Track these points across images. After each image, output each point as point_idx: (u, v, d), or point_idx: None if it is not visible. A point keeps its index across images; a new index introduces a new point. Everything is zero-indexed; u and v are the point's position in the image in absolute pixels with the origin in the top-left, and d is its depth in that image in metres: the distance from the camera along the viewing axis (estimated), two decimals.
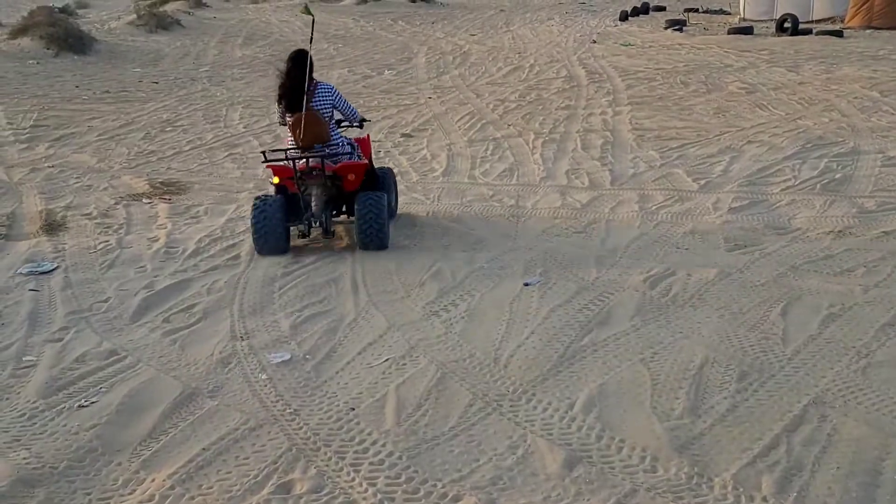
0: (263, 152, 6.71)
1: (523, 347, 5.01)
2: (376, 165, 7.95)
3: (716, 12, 29.36)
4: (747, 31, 23.36)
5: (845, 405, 4.20)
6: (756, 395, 4.34)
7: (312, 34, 7.25)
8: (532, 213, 8.17)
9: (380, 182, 7.24)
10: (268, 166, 6.85)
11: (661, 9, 30.67)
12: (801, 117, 12.11)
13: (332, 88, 6.93)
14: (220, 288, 6.15)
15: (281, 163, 6.64)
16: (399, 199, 8.15)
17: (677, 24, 25.24)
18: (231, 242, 7.12)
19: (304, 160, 6.60)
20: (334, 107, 6.93)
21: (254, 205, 6.70)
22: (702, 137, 11.11)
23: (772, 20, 24.39)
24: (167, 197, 9.08)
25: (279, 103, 6.90)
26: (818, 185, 8.37)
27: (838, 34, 22.03)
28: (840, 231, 6.94)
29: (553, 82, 16.73)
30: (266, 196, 6.88)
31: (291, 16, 29.11)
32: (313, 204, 6.71)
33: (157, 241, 7.37)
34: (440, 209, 8.34)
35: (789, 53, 19.26)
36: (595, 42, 22.88)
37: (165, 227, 7.80)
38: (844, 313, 5.28)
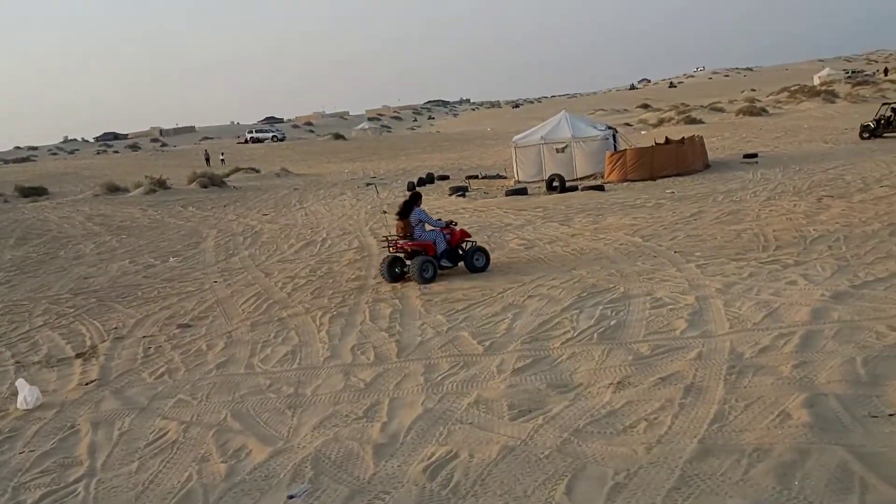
0: (386, 237, 13.34)
1: None
2: None
3: (493, 177, 31.09)
4: (522, 191, 24.67)
5: None
6: None
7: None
8: (311, 401, 7.34)
9: (449, 253, 13.18)
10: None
11: (445, 178, 32.10)
12: (575, 267, 12.37)
13: (421, 211, 13.10)
14: None
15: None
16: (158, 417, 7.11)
17: (460, 190, 26.29)
18: None
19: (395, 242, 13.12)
20: (420, 220, 13.00)
21: (382, 259, 13.36)
22: (486, 296, 10.95)
23: (542, 181, 26.03)
24: None
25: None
26: (595, 335, 8.25)
27: (600, 188, 23.78)
28: (619, 382, 6.68)
29: (345, 254, 16.39)
30: (385, 256, 13.12)
31: (73, 211, 27.38)
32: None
33: None
34: (205, 412, 7.29)
35: (561, 209, 20.33)
36: (385, 213, 23.13)
37: None
38: (630, 481, 4.83)
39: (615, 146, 28.09)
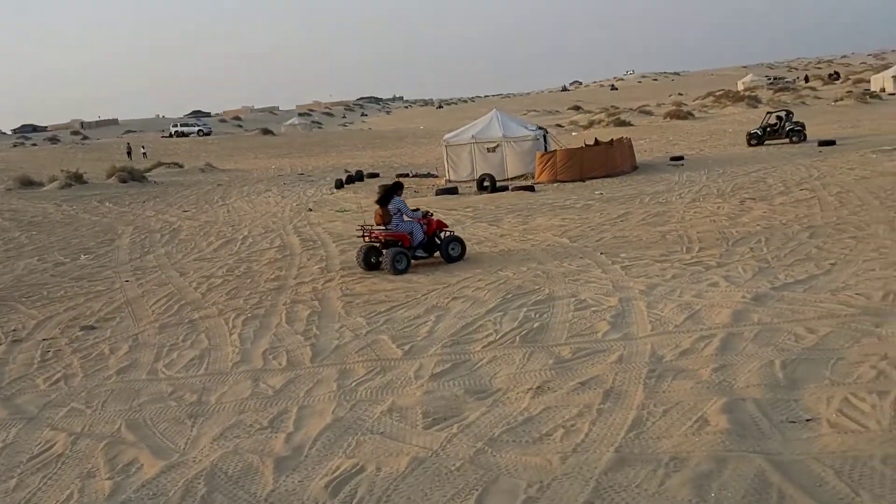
0: (361, 226, 13.29)
1: None
2: None
3: (424, 176, 30.80)
4: (453, 191, 24.44)
5: None
6: None
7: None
8: (214, 409, 6.89)
9: (423, 242, 13.14)
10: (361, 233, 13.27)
11: (375, 175, 31.63)
12: (503, 268, 12.18)
13: (400, 200, 13.10)
14: None
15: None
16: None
17: None
18: None
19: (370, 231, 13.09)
20: (398, 209, 12.95)
21: (358, 248, 13.28)
22: (410, 298, 10.64)
23: (473, 180, 25.85)
24: None
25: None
26: (517, 338, 8.02)
27: (531, 189, 23.72)
28: (539, 387, 6.45)
29: (266, 253, 15.83)
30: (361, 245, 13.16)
31: None
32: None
33: None
34: (98, 422, 6.76)
35: (490, 209, 20.16)
36: (311, 210, 22.61)
37: None
38: (543, 494, 4.58)
39: (546, 147, 28.13)
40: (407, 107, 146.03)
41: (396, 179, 16.33)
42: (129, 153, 54.02)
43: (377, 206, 13.18)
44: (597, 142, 28.47)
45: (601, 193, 21.63)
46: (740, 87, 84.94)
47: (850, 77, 78.01)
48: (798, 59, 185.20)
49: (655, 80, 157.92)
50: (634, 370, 6.51)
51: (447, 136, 29.24)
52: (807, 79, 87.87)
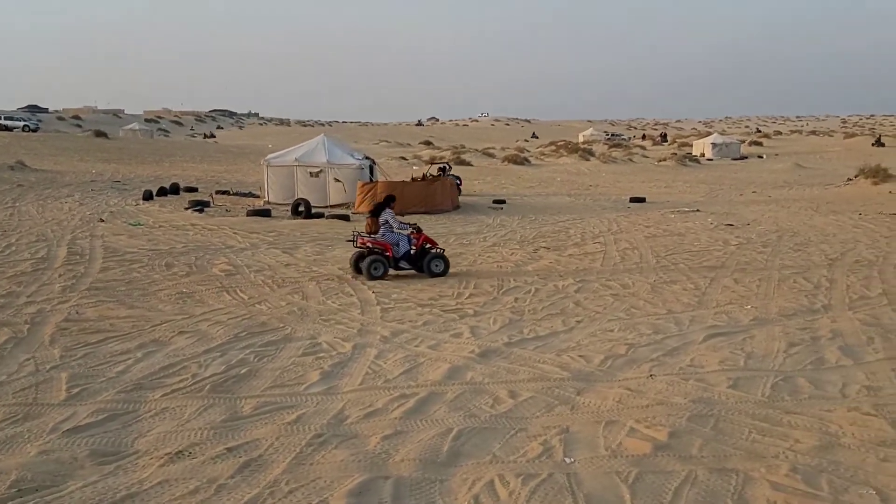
0: (354, 232, 14.19)
1: None
2: None
3: (245, 195, 29.38)
4: (265, 213, 23.34)
5: None
6: None
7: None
8: None
9: (411, 257, 13.79)
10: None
11: (193, 189, 29.92)
12: (262, 301, 11.33)
13: (391, 213, 13.84)
14: None
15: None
16: None
17: (199, 205, 24.41)
18: None
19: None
20: (386, 220, 13.70)
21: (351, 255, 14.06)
22: (136, 328, 9.52)
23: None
24: None
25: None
26: (210, 385, 7.14)
27: (346, 218, 23.05)
28: (180, 451, 5.58)
29: (18, 265, 14.10)
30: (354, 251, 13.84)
31: None
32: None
33: None
34: None
35: (295, 235, 19.27)
36: (103, 221, 20.78)
37: None
38: None
39: (371, 177, 27.63)
40: (262, 124, 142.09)
41: (389, 193, 16.97)
42: None
43: (368, 216, 14.32)
44: (423, 177, 28.34)
45: (357, 231, 21.27)
46: (580, 139, 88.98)
47: (677, 140, 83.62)
48: (639, 119, 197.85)
49: (507, 124, 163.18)
50: (300, 434, 5.82)
51: (269, 156, 28.13)
52: (644, 136, 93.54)
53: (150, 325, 9.66)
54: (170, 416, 6.36)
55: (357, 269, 13.64)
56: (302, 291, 12.14)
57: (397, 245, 13.77)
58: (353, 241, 13.94)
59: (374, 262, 13.41)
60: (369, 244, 13.71)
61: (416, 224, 14.68)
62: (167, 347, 8.56)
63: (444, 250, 14.40)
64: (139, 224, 20.46)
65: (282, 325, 9.74)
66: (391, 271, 13.72)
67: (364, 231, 14.11)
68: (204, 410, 6.47)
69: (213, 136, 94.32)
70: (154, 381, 7.31)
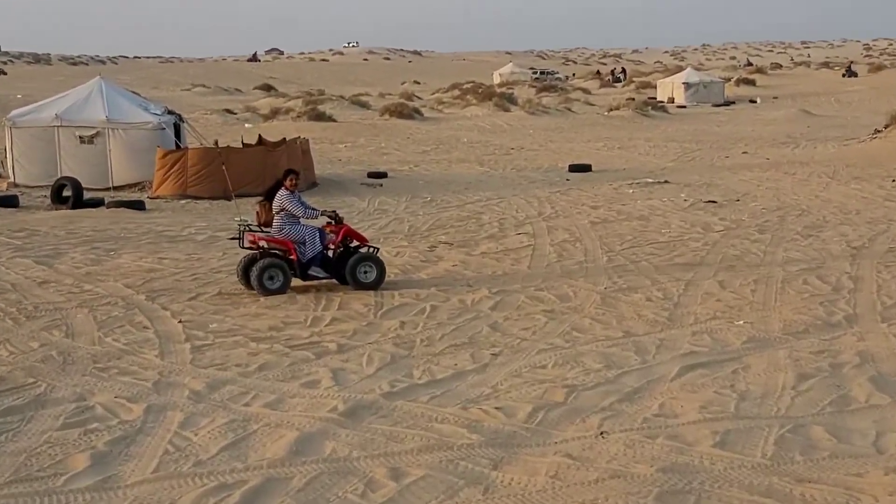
0: (240, 224, 14.17)
1: None
2: None
3: None
4: (10, 202, 22.56)
5: None
6: None
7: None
8: None
9: (324, 259, 13.77)
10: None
11: None
12: (1, 342, 10.95)
13: (289, 195, 13.67)
14: None
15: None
16: None
17: None
18: None
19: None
20: (283, 207, 13.54)
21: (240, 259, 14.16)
22: None
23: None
24: None
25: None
26: None
27: (139, 206, 22.58)
28: None
29: None
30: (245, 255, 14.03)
31: None
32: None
33: None
34: None
35: (58, 236, 18.79)
36: None
37: None
38: None
39: (178, 143, 27.07)
40: (6, 62, 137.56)
41: (288, 166, 16.02)
42: None
43: (259, 201, 14.24)
44: (260, 141, 27.98)
45: (246, 222, 21.01)
46: (496, 79, 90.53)
47: (635, 79, 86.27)
48: (579, 49, 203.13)
49: (387, 58, 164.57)
50: None
51: (15, 112, 27.37)
52: (597, 73, 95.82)
53: None
54: None
55: (247, 281, 13.59)
56: (66, 324, 11.91)
57: (303, 243, 13.62)
58: (240, 238, 13.83)
59: (269, 268, 13.34)
60: (263, 243, 13.61)
61: (333, 211, 14.56)
62: None
63: (377, 249, 14.37)
64: None
65: (31, 379, 9.54)
66: (297, 281, 13.59)
67: (254, 223, 14.04)
68: None
69: None
70: None
